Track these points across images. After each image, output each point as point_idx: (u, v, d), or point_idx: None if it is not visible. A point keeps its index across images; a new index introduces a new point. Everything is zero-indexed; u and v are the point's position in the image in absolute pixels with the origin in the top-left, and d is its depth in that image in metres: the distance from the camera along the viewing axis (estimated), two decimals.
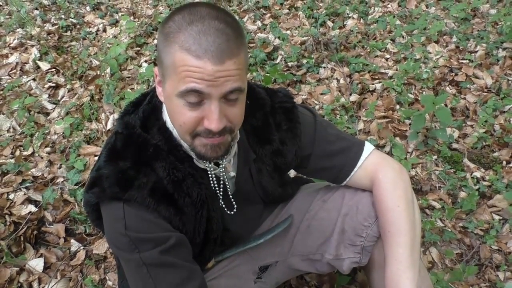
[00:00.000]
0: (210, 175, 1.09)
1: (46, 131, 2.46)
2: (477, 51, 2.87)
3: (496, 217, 1.94)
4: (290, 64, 2.86)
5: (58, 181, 2.19)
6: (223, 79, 0.86)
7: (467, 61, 2.81)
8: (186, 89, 0.87)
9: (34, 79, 2.84)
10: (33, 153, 2.35)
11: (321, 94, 2.63)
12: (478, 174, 2.12)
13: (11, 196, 2.08)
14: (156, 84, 1.00)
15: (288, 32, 3.21)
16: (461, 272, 1.68)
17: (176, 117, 0.93)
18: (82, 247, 1.91)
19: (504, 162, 2.17)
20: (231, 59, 0.86)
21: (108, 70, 2.80)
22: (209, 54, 0.84)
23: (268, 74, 2.60)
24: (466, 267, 1.72)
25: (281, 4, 3.59)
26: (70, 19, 3.44)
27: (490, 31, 3.04)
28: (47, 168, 2.25)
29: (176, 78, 0.88)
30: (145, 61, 2.96)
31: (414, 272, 1.09)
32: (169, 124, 1.03)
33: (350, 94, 2.61)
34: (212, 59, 0.84)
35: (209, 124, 0.90)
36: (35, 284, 1.78)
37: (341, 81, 2.72)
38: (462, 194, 2.03)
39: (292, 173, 1.79)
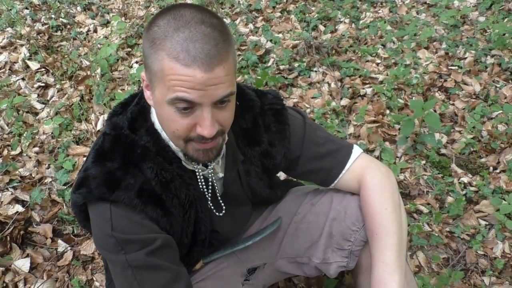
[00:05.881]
0: (198, 176, 1.09)
1: (34, 131, 2.44)
2: (466, 57, 2.90)
3: (483, 222, 1.96)
4: (281, 67, 2.87)
5: (46, 181, 2.17)
6: (213, 87, 0.86)
7: (456, 67, 2.84)
8: (176, 98, 0.86)
9: (23, 79, 2.81)
10: (21, 152, 2.33)
11: (312, 97, 2.64)
12: (465, 179, 2.14)
13: None
14: (144, 88, 0.99)
15: (280, 35, 3.22)
16: (447, 276, 1.69)
17: (168, 124, 0.93)
18: (69, 248, 1.90)
19: (491, 168, 2.19)
20: (220, 64, 0.85)
21: (98, 71, 2.78)
22: (198, 62, 0.83)
23: (259, 77, 2.60)
24: (452, 271, 1.73)
25: (274, 7, 3.60)
26: (61, 19, 3.42)
27: (479, 38, 3.08)
28: (35, 168, 2.23)
29: (165, 86, 0.87)
30: (136, 62, 2.95)
31: (401, 275, 1.09)
32: (157, 125, 1.03)
33: (341, 98, 2.62)
34: (201, 66, 0.83)
35: (202, 130, 0.90)
36: (20, 285, 1.76)
37: (332, 85, 2.73)
38: (449, 199, 2.05)
39: (282, 176, 1.79)
